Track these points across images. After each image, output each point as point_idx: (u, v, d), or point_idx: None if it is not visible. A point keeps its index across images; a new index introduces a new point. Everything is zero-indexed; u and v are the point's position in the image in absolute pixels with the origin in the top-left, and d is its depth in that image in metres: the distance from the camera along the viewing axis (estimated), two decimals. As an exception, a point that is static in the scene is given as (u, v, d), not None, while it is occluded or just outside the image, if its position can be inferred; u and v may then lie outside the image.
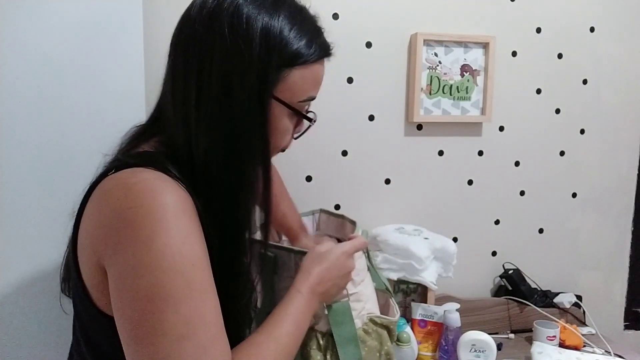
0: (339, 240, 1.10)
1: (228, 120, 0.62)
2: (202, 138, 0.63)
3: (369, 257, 0.99)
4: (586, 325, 1.44)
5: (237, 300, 0.69)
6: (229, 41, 0.61)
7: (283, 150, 0.76)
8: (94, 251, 0.58)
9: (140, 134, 0.72)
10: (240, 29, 0.61)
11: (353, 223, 1.04)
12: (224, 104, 0.62)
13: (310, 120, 0.73)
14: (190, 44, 0.64)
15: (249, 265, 0.71)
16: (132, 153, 0.66)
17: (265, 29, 0.63)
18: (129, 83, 0.98)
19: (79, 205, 0.63)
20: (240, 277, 0.70)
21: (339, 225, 1.13)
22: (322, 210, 1.21)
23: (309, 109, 0.77)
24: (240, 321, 0.72)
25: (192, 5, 0.67)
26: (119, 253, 0.54)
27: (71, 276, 0.66)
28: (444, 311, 1.21)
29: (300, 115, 0.71)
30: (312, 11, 0.72)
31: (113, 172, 0.59)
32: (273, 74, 0.64)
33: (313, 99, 0.72)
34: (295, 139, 0.76)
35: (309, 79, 0.68)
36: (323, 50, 0.70)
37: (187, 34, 0.65)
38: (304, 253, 0.83)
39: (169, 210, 0.55)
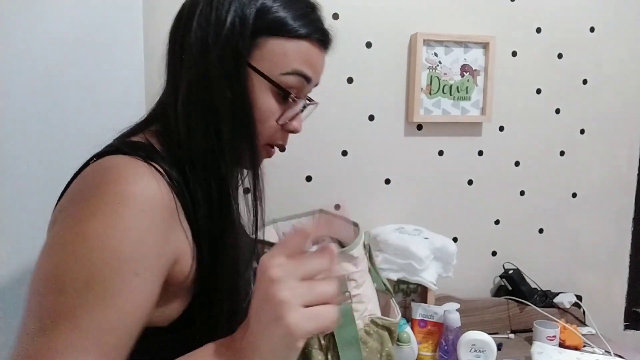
0: (339, 242, 1.10)
1: (207, 90, 0.61)
2: (184, 108, 0.61)
3: (370, 258, 0.99)
4: (586, 325, 1.44)
5: (236, 299, 0.64)
6: (209, 4, 0.61)
7: (282, 149, 0.70)
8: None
9: (138, 123, 0.70)
10: None
11: (355, 225, 1.04)
12: (201, 69, 0.61)
13: (288, 94, 0.64)
14: (180, 19, 0.64)
15: (238, 251, 0.64)
16: (124, 140, 0.64)
17: None
18: (129, 83, 0.98)
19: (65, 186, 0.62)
20: (235, 269, 0.63)
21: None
22: (321, 211, 1.22)
23: (308, 98, 0.71)
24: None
25: None
26: (58, 223, 0.53)
27: None
28: (444, 311, 1.21)
29: (279, 89, 0.64)
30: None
31: (95, 160, 0.58)
32: (246, 40, 0.61)
33: (302, 75, 0.65)
34: (282, 126, 0.67)
35: (292, 52, 0.63)
36: (313, 29, 0.65)
37: (180, 12, 0.66)
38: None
39: (124, 201, 0.50)
